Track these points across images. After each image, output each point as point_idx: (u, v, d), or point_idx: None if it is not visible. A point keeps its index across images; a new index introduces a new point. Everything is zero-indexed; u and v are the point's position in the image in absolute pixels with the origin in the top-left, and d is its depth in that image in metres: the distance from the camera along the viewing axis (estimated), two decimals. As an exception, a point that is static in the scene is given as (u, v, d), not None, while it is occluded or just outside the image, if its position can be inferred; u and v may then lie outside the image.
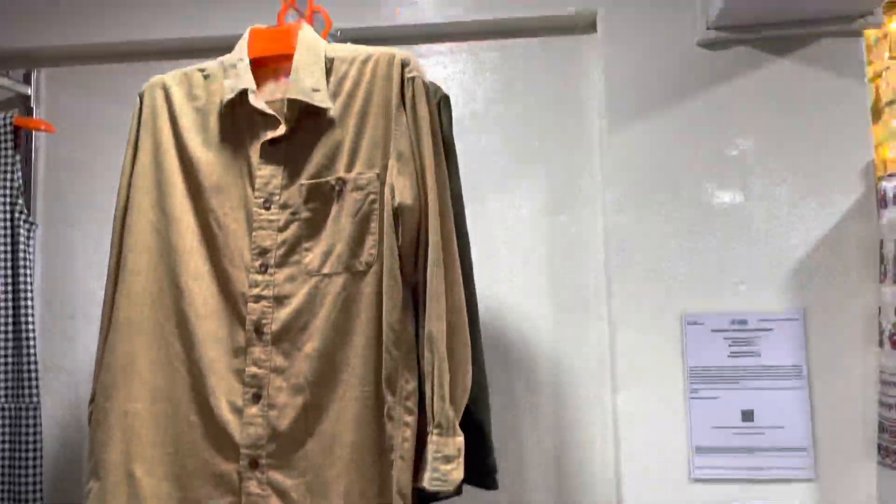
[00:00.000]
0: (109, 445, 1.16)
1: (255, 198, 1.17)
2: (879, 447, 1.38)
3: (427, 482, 1.02)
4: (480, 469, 1.17)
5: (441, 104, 1.18)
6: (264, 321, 1.15)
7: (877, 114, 1.55)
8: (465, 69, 1.63)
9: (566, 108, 1.60)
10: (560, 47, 1.60)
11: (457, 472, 1.02)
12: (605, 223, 1.53)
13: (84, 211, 1.70)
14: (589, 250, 1.56)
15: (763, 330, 1.44)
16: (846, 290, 1.44)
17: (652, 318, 1.48)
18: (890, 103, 1.53)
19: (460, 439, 1.04)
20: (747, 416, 1.43)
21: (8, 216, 1.47)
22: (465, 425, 1.09)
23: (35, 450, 1.45)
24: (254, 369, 1.15)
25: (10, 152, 1.50)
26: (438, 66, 1.62)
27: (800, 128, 1.48)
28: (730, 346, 1.45)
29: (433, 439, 1.03)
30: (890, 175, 1.41)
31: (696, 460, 1.43)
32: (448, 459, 1.02)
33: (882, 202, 1.41)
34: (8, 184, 1.48)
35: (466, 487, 1.22)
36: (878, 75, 1.55)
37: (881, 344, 1.39)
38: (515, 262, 1.58)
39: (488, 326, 1.54)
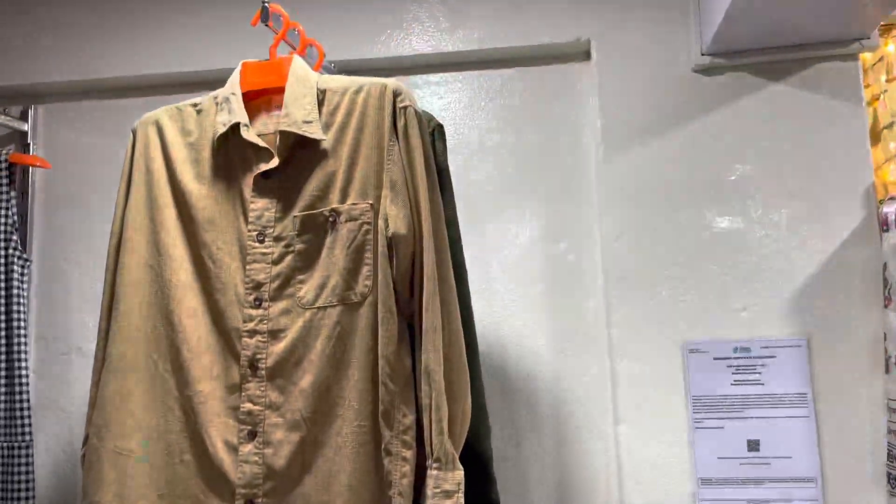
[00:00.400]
0: (102, 488, 1.14)
1: (249, 231, 1.16)
2: (889, 476, 1.35)
3: (427, 520, 0.99)
4: (482, 502, 1.14)
5: (435, 133, 1.18)
6: (259, 356, 1.13)
7: (875, 137, 1.54)
8: (461, 99, 1.63)
9: (562, 137, 1.59)
10: (555, 76, 1.60)
11: (457, 506, 0.99)
12: (602, 251, 1.52)
13: (81, 246, 1.70)
14: (587, 279, 1.54)
15: (766, 357, 1.42)
16: (850, 316, 1.42)
17: (653, 347, 1.46)
18: (889, 126, 1.53)
19: (460, 473, 1.01)
20: (753, 445, 1.40)
21: (2, 252, 1.47)
22: (465, 458, 1.06)
23: (28, 489, 1.42)
24: (249, 406, 1.13)
25: (4, 188, 1.49)
26: (434, 96, 1.62)
27: (798, 152, 1.47)
28: (733, 374, 1.43)
29: (432, 474, 1.00)
30: (891, 198, 1.40)
31: (701, 492, 1.40)
32: (448, 495, 0.99)
33: (884, 226, 1.40)
34: (3, 220, 1.48)
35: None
36: (875, 98, 1.55)
37: (888, 370, 1.36)
38: (513, 292, 1.56)
39: (486, 358, 1.52)
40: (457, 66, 1.63)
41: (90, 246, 1.68)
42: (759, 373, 1.42)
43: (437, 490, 0.99)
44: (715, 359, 1.44)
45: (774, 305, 1.44)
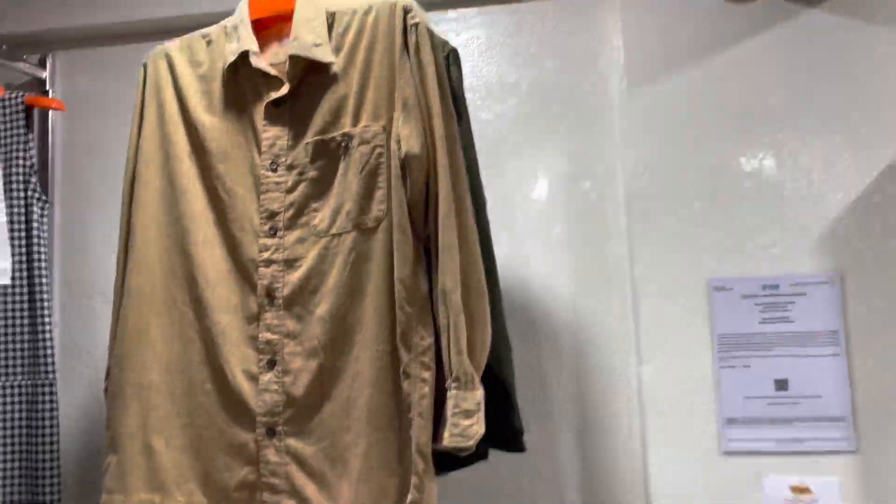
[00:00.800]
0: (126, 418, 1.15)
1: (262, 160, 1.15)
2: None
3: (447, 439, 0.98)
4: (506, 431, 1.13)
5: (450, 57, 1.14)
6: (276, 286, 1.12)
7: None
8: (479, 35, 1.59)
9: (584, 73, 1.55)
10: (575, 8, 1.55)
11: (477, 426, 0.98)
12: (625, 188, 1.48)
13: (101, 192, 1.70)
14: (610, 217, 1.50)
15: (796, 294, 1.38)
16: (885, 251, 1.36)
17: (677, 285, 1.43)
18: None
19: (480, 393, 0.99)
20: (781, 385, 1.36)
21: (21, 194, 1.47)
22: (487, 385, 1.05)
23: (52, 426, 1.44)
24: (267, 335, 1.12)
25: (22, 131, 1.49)
26: (450, 33, 1.58)
27: (833, 82, 1.41)
28: (761, 311, 1.39)
29: (451, 394, 0.99)
30: (929, 128, 1.34)
31: (726, 432, 1.37)
32: (468, 414, 0.98)
33: (921, 157, 1.34)
34: (21, 162, 1.48)
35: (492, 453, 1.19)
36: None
37: (923, 305, 1.31)
38: (535, 232, 1.53)
39: (507, 298, 1.49)
40: (474, 1, 1.58)
41: (111, 192, 1.67)
42: (789, 310, 1.38)
43: (457, 410, 0.98)
44: (742, 297, 1.39)
45: (805, 241, 1.39)
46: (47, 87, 1.70)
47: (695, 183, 1.44)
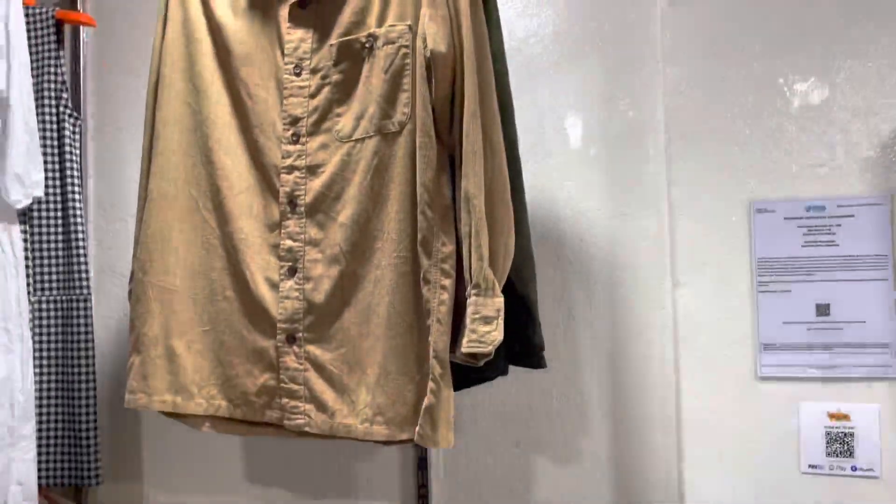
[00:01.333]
0: (149, 320, 1.16)
1: (285, 64, 1.12)
2: None
3: (465, 345, 0.96)
4: (527, 347, 1.11)
5: (481, -44, 1.08)
6: (297, 192, 1.11)
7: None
8: (514, -54, 1.52)
9: (624, -15, 1.47)
10: (617, -86, 1.47)
11: (496, 333, 0.96)
12: (665, 106, 1.41)
13: (133, 111, 1.68)
14: (648, 137, 1.45)
15: (843, 217, 1.32)
16: None
17: (716, 207, 1.38)
18: None
19: (500, 300, 0.97)
20: (822, 310, 1.31)
21: (53, 110, 1.47)
22: (508, 302, 1.02)
23: (87, 340, 1.46)
24: (289, 242, 1.11)
25: (52, 46, 1.48)
26: (486, -57, 1.51)
27: (889, -5, 1.32)
28: (804, 234, 1.33)
29: (471, 300, 0.97)
30: None
31: (764, 357, 1.33)
32: (487, 320, 0.96)
33: None
34: (52, 77, 1.47)
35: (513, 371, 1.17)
36: None
37: (981, 229, 1.24)
38: (569, 152, 1.48)
39: (539, 220, 1.46)
40: None
41: (143, 111, 1.67)
42: (834, 234, 1.32)
43: (477, 316, 0.96)
44: (785, 219, 1.34)
45: (855, 163, 1.32)
46: (77, 4, 1.69)
47: (738, 101, 1.38)
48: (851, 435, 1.29)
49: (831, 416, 1.30)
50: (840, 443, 1.29)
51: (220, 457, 1.60)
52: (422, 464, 1.47)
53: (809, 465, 1.31)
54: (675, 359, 1.39)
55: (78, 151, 1.51)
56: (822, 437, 1.30)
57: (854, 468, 1.29)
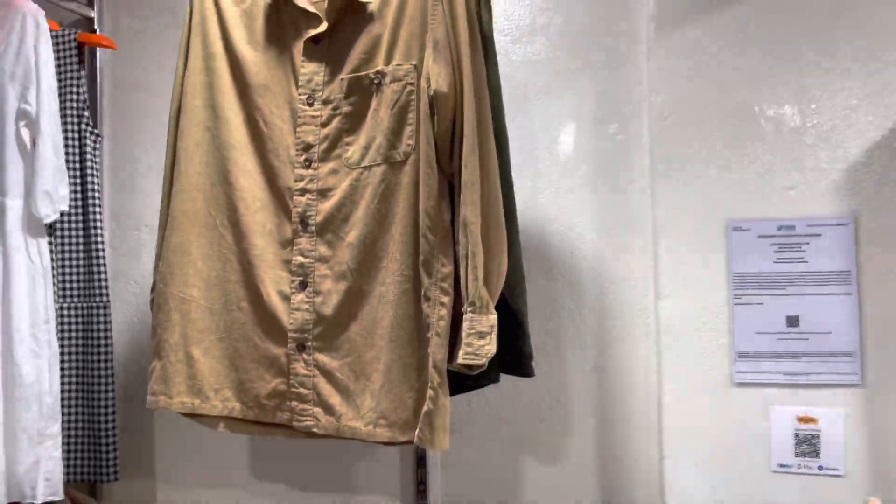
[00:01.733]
0: (169, 328, 1.25)
1: (299, 94, 1.22)
2: None
3: (461, 357, 1.06)
4: (517, 356, 1.21)
5: (481, 1, 1.18)
6: (309, 213, 1.20)
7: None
8: (511, -22, 1.61)
9: (612, 17, 1.57)
10: (607, -49, 1.56)
11: (489, 346, 1.06)
12: (650, 131, 1.51)
13: (146, 128, 1.79)
14: (634, 159, 1.55)
15: (811, 235, 1.41)
16: None
17: (696, 225, 1.47)
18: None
19: (493, 317, 1.07)
20: (792, 321, 1.42)
21: (75, 127, 1.56)
22: (501, 313, 1.12)
23: (106, 345, 1.56)
24: (300, 259, 1.21)
25: (74, 67, 1.57)
26: (483, -26, 1.61)
27: (857, 27, 1.41)
28: (776, 252, 1.43)
29: (467, 317, 1.07)
30: (954, 73, 1.35)
31: (738, 365, 1.43)
32: (481, 335, 1.06)
33: (944, 103, 1.35)
34: (74, 96, 1.56)
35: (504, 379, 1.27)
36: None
37: (937, 248, 1.34)
38: (560, 171, 1.58)
39: (531, 237, 1.56)
40: (507, -57, 1.61)
41: (156, 127, 1.76)
42: (803, 251, 1.42)
43: (472, 331, 1.06)
44: (759, 237, 1.44)
45: (822, 185, 1.42)
46: (95, 26, 1.78)
47: (718, 126, 1.47)
48: (818, 437, 1.39)
49: (800, 419, 1.40)
50: (808, 444, 1.40)
51: (228, 455, 1.70)
52: (421, 462, 1.57)
53: (779, 465, 1.41)
54: (658, 365, 1.49)
55: (98, 166, 1.60)
56: (792, 439, 1.40)
57: (820, 467, 1.39)
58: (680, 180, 1.48)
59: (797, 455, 1.40)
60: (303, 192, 1.21)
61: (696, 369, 1.46)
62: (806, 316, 1.41)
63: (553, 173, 1.59)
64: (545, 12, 1.60)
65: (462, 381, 1.19)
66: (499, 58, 1.31)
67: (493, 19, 1.28)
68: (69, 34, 1.58)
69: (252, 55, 1.25)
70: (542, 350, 1.52)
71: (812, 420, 1.40)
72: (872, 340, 1.38)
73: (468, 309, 1.07)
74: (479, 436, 1.58)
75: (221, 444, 1.68)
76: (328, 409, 1.18)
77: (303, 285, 1.20)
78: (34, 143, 1.40)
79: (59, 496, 1.40)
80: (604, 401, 1.54)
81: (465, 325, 1.07)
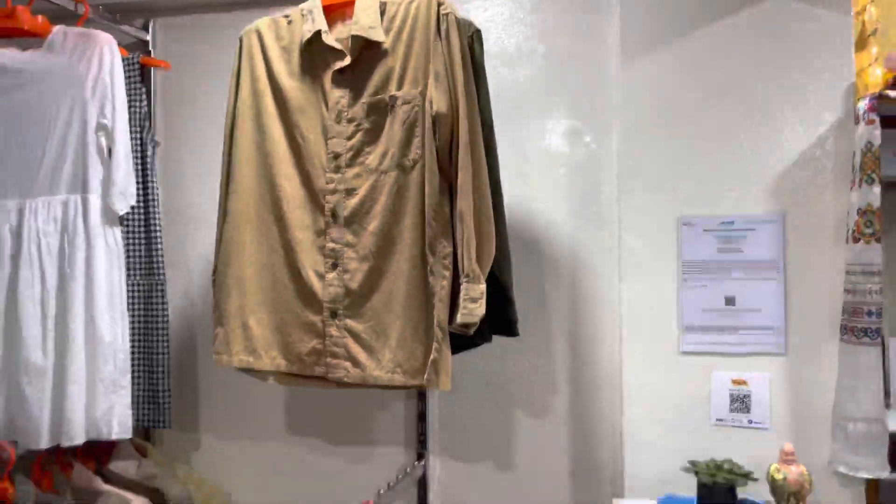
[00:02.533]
0: (229, 301, 1.57)
1: (329, 115, 1.52)
2: (842, 327, 1.60)
3: (458, 317, 1.37)
4: (505, 320, 1.51)
5: (474, 36, 1.48)
6: (338, 208, 1.51)
7: (861, 43, 1.75)
8: (503, 12, 1.90)
9: (589, 46, 1.84)
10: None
11: (480, 308, 1.36)
12: (617, 145, 1.77)
13: (194, 139, 2.07)
14: (605, 165, 1.83)
15: (747, 230, 1.68)
16: (822, 197, 1.63)
17: (654, 223, 1.71)
18: (873, 32, 1.73)
19: (483, 287, 1.38)
20: (730, 301, 1.67)
21: (138, 136, 1.87)
22: (491, 287, 1.42)
23: (164, 315, 1.87)
24: (332, 245, 1.52)
25: (138, 84, 1.88)
26: (479, 9, 1.90)
27: (793, 59, 1.65)
28: (718, 243, 1.70)
29: (463, 286, 1.37)
30: (864, 97, 1.63)
31: (685, 337, 1.70)
32: (474, 300, 1.36)
33: (856, 120, 1.63)
34: (138, 109, 1.87)
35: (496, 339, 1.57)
36: (863, 9, 1.74)
37: (847, 241, 1.61)
38: (542, 175, 1.85)
39: (519, 231, 1.84)
40: (500, -18, 1.89)
41: (202, 138, 2.05)
42: (741, 243, 1.69)
43: (467, 296, 1.37)
44: (704, 230, 1.71)
45: (757, 189, 1.66)
46: (149, 49, 2.07)
47: (674, 141, 1.71)
48: (749, 396, 1.63)
49: (734, 381, 1.65)
50: (740, 402, 1.64)
51: (264, 411, 1.98)
52: (422, 417, 1.86)
53: (717, 419, 1.65)
54: (620, 337, 1.75)
55: (156, 169, 1.91)
56: (727, 398, 1.64)
57: (750, 421, 1.63)
58: (641, 187, 1.73)
59: (732, 411, 1.64)
60: (333, 191, 1.51)
61: (651, 341, 1.69)
62: (741, 297, 1.66)
63: (537, 175, 1.86)
64: (530, 40, 1.89)
65: (461, 341, 1.47)
66: (491, 79, 1.57)
67: (485, 49, 1.56)
68: (133, 57, 1.89)
69: (290, 83, 1.55)
70: (526, 323, 1.69)
71: (744, 382, 1.65)
72: (794, 318, 1.63)
73: (464, 280, 1.37)
74: (471, 396, 1.87)
75: (258, 402, 1.97)
76: (356, 363, 1.49)
77: (334, 266, 1.51)
78: (110, 150, 1.70)
79: (129, 436, 1.70)
80: (576, 366, 1.83)
81: (461, 292, 1.37)
